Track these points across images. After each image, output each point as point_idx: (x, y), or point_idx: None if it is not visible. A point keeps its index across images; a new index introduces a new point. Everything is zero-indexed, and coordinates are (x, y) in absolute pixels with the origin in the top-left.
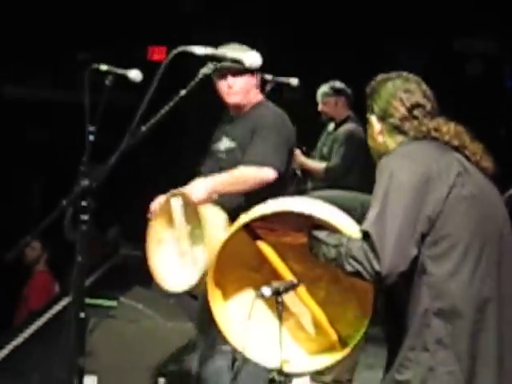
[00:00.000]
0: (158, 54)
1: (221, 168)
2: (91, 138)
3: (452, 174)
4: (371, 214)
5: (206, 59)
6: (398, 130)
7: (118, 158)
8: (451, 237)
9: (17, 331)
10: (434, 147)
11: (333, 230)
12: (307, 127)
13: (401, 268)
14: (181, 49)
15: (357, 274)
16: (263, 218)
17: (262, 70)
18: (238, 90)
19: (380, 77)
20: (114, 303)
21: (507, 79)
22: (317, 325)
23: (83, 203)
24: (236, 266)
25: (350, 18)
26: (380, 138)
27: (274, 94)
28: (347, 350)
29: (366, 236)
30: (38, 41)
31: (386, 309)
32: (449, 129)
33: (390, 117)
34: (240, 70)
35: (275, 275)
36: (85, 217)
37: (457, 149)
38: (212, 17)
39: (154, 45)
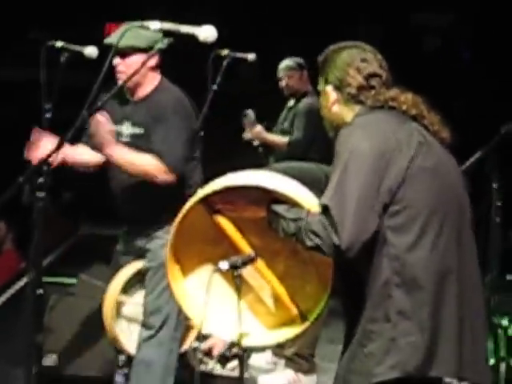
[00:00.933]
0: (114, 31)
1: None
2: (48, 115)
3: (412, 144)
4: (330, 187)
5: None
6: (354, 99)
7: (74, 134)
8: (412, 208)
9: None
10: (393, 117)
11: (292, 203)
12: (265, 102)
13: (361, 240)
14: (135, 23)
15: (316, 248)
16: (221, 192)
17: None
18: (124, 71)
19: (334, 46)
20: (73, 280)
21: (463, 51)
22: (276, 299)
23: (40, 180)
24: (194, 241)
25: None
26: (335, 108)
27: (230, 69)
28: (307, 324)
29: (324, 209)
30: None
31: (344, 281)
32: (406, 98)
33: (347, 86)
34: (132, 49)
35: (235, 249)
36: (41, 194)
37: (415, 118)
38: None
39: (111, 23)
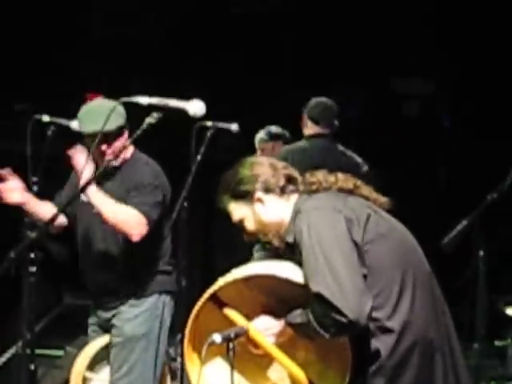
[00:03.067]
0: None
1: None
2: (35, 188)
3: (363, 215)
4: (312, 273)
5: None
6: (287, 190)
7: (64, 209)
8: (382, 274)
9: None
10: (333, 196)
11: (292, 284)
12: None
13: (369, 304)
14: (125, 99)
15: (337, 334)
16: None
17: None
18: (112, 154)
19: (228, 172)
20: (60, 352)
21: (444, 119)
22: None
23: (31, 255)
24: (210, 331)
25: (294, 55)
26: (273, 209)
27: (212, 139)
28: None
29: (318, 297)
30: None
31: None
32: (336, 177)
33: (275, 182)
34: (114, 136)
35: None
36: (33, 269)
37: (351, 192)
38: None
39: (91, 92)
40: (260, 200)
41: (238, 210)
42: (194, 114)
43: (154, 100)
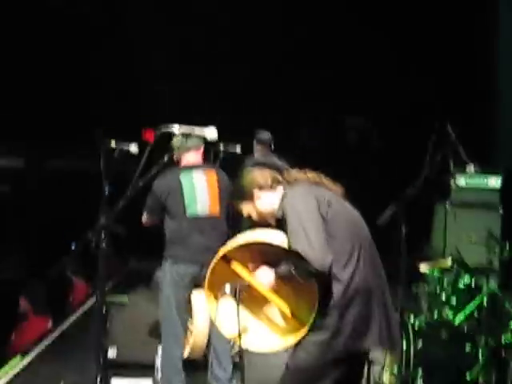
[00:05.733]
0: (148, 134)
1: None
2: (107, 190)
3: (325, 200)
4: (294, 236)
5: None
6: (274, 184)
7: (124, 203)
8: (338, 239)
9: (62, 319)
10: (307, 186)
11: (278, 248)
12: None
13: (330, 258)
14: (163, 129)
15: (307, 279)
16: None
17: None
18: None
19: (238, 180)
20: (126, 300)
21: (373, 141)
22: (284, 316)
23: (102, 235)
24: (222, 280)
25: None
26: (268, 198)
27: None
28: (305, 329)
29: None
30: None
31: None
32: (305, 173)
33: (265, 182)
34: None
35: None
36: (103, 244)
37: (317, 183)
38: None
39: (146, 128)
40: (257, 196)
41: (245, 208)
42: (209, 137)
43: (183, 129)
